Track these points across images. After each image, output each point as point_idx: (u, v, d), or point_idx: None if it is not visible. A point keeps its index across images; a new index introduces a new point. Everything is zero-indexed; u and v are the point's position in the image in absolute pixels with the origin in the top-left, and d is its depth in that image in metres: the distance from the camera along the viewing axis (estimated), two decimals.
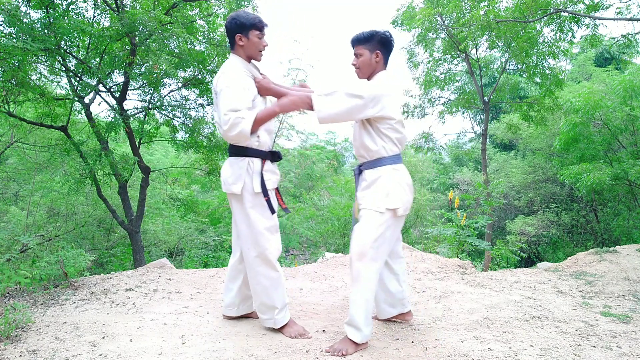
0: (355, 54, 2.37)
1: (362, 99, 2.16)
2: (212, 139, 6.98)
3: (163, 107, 6.79)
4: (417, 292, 3.36)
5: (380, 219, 2.21)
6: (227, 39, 2.43)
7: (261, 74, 2.45)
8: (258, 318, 2.73)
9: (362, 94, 2.17)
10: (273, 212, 2.31)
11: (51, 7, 4.98)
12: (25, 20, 4.73)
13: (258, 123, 2.22)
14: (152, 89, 6.52)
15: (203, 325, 2.53)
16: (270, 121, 2.38)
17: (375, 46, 2.32)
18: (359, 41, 2.34)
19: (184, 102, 6.92)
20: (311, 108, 2.23)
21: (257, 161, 2.30)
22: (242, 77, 2.26)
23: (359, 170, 2.40)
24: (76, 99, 5.91)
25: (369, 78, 2.38)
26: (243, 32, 2.28)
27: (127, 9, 5.49)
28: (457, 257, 5.94)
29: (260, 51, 2.35)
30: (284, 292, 2.41)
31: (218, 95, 2.24)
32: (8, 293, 3.03)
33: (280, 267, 2.40)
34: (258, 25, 2.29)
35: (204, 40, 6.44)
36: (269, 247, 2.31)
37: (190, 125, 6.81)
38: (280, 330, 2.41)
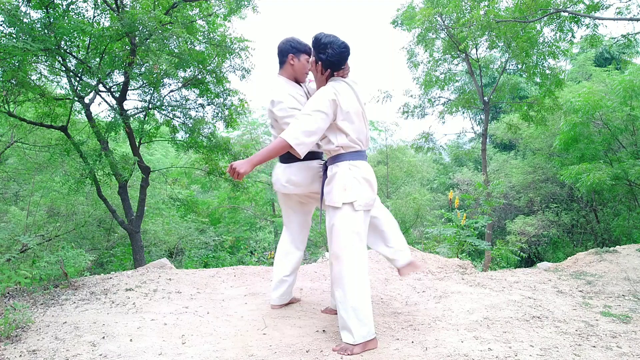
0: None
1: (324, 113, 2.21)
2: (212, 139, 6.98)
3: (163, 107, 6.79)
4: (417, 292, 3.36)
5: (343, 215, 2.24)
6: (280, 58, 2.60)
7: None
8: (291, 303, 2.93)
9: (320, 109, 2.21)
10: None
11: (51, 7, 4.98)
12: (25, 20, 4.73)
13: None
14: (152, 89, 6.52)
15: (203, 325, 2.53)
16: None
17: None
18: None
19: (184, 102, 6.93)
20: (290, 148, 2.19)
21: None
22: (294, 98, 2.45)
23: (325, 166, 2.46)
24: (76, 99, 5.91)
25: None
26: (296, 53, 2.53)
27: (127, 9, 5.50)
28: (457, 257, 5.94)
29: (306, 74, 2.60)
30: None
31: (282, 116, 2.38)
32: (8, 293, 3.03)
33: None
34: (308, 51, 2.55)
35: (204, 40, 6.45)
36: None
37: (190, 125, 6.81)
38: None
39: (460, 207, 7.21)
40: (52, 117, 6.02)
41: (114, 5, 5.60)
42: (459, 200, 7.08)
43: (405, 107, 12.25)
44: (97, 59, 5.69)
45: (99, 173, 6.23)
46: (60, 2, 5.16)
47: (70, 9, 5.21)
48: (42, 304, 2.84)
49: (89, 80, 5.76)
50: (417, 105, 12.20)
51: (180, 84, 6.77)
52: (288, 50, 2.53)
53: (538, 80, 10.10)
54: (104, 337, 2.27)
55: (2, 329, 2.26)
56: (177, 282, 3.46)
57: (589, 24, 7.51)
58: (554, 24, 8.52)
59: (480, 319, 2.70)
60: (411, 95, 12.24)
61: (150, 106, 6.69)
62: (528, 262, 11.76)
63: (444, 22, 10.27)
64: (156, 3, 5.71)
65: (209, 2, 6.37)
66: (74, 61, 5.60)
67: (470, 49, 10.46)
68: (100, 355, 2.07)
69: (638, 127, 8.60)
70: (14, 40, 4.37)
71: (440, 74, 11.52)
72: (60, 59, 5.38)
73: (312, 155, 2.55)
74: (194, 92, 6.91)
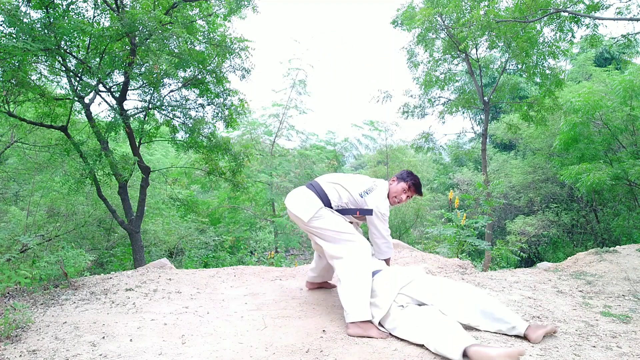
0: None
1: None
2: (212, 139, 6.97)
3: (163, 107, 6.79)
4: None
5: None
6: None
7: None
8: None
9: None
10: None
11: (51, 7, 4.98)
12: (25, 20, 4.73)
13: None
14: (152, 89, 6.52)
15: (203, 325, 2.53)
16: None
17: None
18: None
19: (184, 102, 6.92)
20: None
21: None
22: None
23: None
24: (76, 99, 5.90)
25: None
26: (400, 180, 2.87)
27: (127, 9, 5.50)
28: (457, 257, 5.94)
29: (394, 200, 2.87)
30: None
31: (380, 214, 2.76)
32: (8, 293, 3.03)
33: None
34: (410, 186, 2.85)
35: (204, 40, 6.45)
36: None
37: (190, 125, 6.80)
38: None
39: (460, 207, 7.21)
40: (52, 117, 6.02)
41: (114, 5, 5.60)
42: (459, 200, 7.08)
43: (405, 107, 12.26)
44: (97, 59, 5.68)
45: (99, 173, 6.23)
46: (60, 2, 5.16)
47: (70, 9, 5.20)
48: (42, 304, 2.84)
49: (89, 80, 5.76)
50: (417, 105, 12.21)
51: (180, 84, 6.77)
52: (401, 174, 2.90)
53: (538, 80, 10.11)
54: (104, 337, 2.27)
55: (2, 329, 2.26)
56: (177, 282, 3.46)
57: (589, 24, 7.52)
58: (554, 24, 8.53)
59: None
60: (411, 95, 12.25)
61: (150, 106, 6.69)
62: (528, 262, 11.77)
63: (444, 22, 10.28)
64: (156, 3, 5.71)
65: (209, 2, 6.37)
66: (74, 61, 5.60)
67: (470, 49, 10.47)
68: (100, 355, 2.07)
69: (638, 127, 8.60)
70: (14, 40, 4.37)
71: (440, 74, 11.52)
72: (60, 59, 5.37)
73: (342, 211, 2.80)
74: (194, 92, 6.91)
